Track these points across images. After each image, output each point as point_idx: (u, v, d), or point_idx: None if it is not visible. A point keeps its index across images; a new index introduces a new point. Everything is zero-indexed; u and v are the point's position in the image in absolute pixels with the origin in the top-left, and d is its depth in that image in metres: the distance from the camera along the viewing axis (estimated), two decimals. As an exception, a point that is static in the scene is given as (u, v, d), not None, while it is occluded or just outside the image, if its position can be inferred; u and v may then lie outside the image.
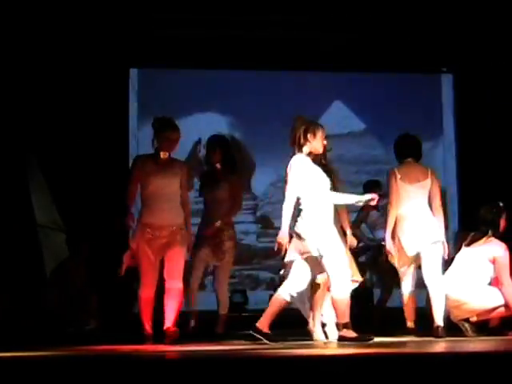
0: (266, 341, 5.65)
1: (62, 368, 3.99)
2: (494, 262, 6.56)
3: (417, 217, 6.49)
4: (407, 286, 6.60)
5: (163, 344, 5.70)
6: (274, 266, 9.68)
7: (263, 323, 5.76)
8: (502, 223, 6.73)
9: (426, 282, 6.42)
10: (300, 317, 6.31)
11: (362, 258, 7.92)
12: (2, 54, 8.16)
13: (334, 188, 5.96)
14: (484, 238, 6.66)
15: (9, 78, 8.29)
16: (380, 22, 9.29)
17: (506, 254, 6.56)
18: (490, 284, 6.63)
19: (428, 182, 6.56)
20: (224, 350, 5.36)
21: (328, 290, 5.93)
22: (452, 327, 6.52)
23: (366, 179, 8.51)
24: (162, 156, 6.06)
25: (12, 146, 8.27)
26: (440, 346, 5.66)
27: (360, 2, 8.92)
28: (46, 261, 8.16)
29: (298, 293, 5.82)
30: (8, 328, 6.70)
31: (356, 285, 6.17)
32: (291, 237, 5.79)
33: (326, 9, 8.94)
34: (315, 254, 5.67)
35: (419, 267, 6.55)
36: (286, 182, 5.84)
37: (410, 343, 5.95)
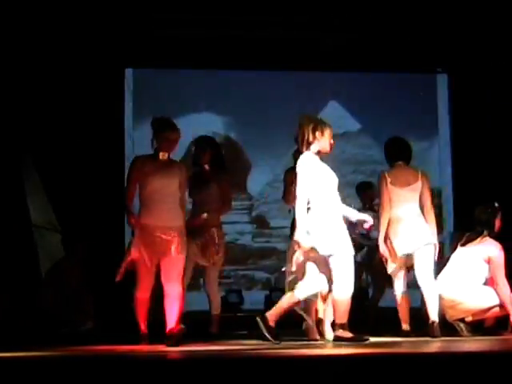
0: (267, 334, 5.61)
1: (58, 368, 3.99)
2: (489, 261, 6.58)
3: (408, 219, 6.52)
4: (399, 287, 6.62)
5: (164, 344, 5.62)
6: (270, 266, 9.72)
7: (272, 317, 5.72)
8: (497, 223, 6.75)
9: (419, 283, 6.47)
10: (294, 317, 6.30)
11: (357, 258, 7.93)
12: (-3, 55, 8.16)
13: None
14: (479, 238, 6.68)
15: (4, 78, 8.27)
16: (374, 23, 9.30)
17: (501, 253, 6.58)
18: (485, 284, 6.65)
19: (419, 184, 6.59)
20: (221, 350, 5.37)
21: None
22: (447, 327, 6.53)
23: (361, 179, 8.52)
24: (161, 157, 5.97)
25: (7, 146, 8.26)
26: (435, 345, 5.67)
27: (356, 3, 8.93)
28: (42, 261, 8.15)
29: (313, 294, 5.81)
30: (3, 328, 6.69)
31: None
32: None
33: (326, 9, 8.96)
34: (323, 252, 5.67)
35: (411, 267, 6.59)
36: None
37: (405, 343, 5.95)
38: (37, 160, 8.72)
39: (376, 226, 6.67)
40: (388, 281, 6.89)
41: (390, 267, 6.58)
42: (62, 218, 8.61)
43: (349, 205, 6.09)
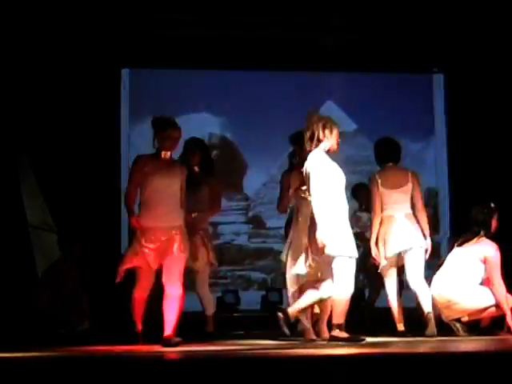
0: (286, 330, 5.67)
1: (55, 369, 3.99)
2: (485, 261, 6.59)
3: (400, 220, 6.58)
4: (391, 287, 6.65)
5: (160, 345, 5.63)
6: (266, 266, 9.72)
7: (293, 312, 5.76)
8: (494, 224, 6.76)
9: (410, 284, 6.54)
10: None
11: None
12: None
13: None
14: (475, 238, 6.69)
15: (0, 78, 8.27)
16: (369, 23, 9.30)
17: (497, 253, 6.58)
18: (481, 284, 6.66)
19: (409, 186, 6.63)
20: (217, 350, 5.37)
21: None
22: (443, 327, 6.54)
23: (357, 180, 8.52)
24: (163, 156, 5.90)
25: (3, 147, 8.25)
26: (431, 345, 5.68)
27: (355, 3, 8.93)
28: (38, 261, 8.14)
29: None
30: (0, 329, 6.69)
31: None
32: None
33: (326, 9, 8.96)
34: (332, 253, 5.66)
35: (402, 267, 6.62)
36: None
37: (401, 343, 5.96)
38: (33, 160, 8.71)
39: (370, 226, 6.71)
40: (383, 282, 6.90)
41: (381, 267, 6.62)
42: (58, 218, 8.60)
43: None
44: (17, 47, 8.43)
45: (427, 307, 6.41)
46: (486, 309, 6.58)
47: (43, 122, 8.81)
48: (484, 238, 6.68)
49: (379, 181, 6.62)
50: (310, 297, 5.82)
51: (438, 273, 6.74)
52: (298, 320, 6.23)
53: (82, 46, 9.02)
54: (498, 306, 6.54)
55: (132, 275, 5.95)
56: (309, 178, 5.76)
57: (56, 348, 5.43)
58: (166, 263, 5.78)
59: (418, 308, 6.53)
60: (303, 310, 5.89)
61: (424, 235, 6.57)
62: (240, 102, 9.88)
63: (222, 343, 5.98)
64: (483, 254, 6.59)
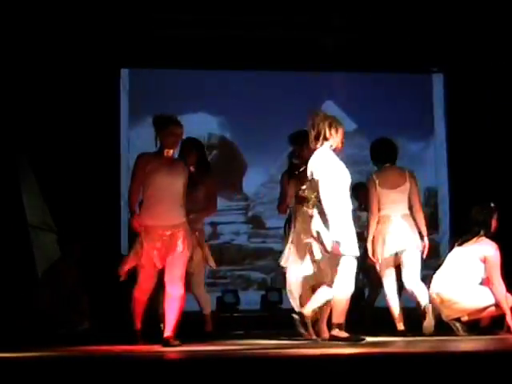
0: (302, 331, 5.73)
1: (55, 369, 3.98)
2: (485, 261, 6.59)
3: (397, 220, 6.59)
4: (389, 287, 6.66)
5: (160, 344, 5.62)
6: (266, 266, 9.72)
7: (308, 312, 5.79)
8: (494, 223, 6.76)
9: (406, 284, 6.56)
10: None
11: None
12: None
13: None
14: (475, 238, 6.69)
15: None
16: (369, 23, 9.31)
17: (497, 253, 6.59)
18: (481, 284, 6.66)
19: (407, 185, 6.65)
20: (217, 350, 5.36)
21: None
22: (443, 327, 6.55)
23: (357, 180, 8.51)
24: (165, 154, 5.85)
25: (3, 146, 8.25)
26: (431, 345, 5.68)
27: (355, 3, 8.93)
28: (38, 261, 8.14)
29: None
30: (0, 329, 6.69)
31: None
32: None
33: (326, 9, 8.97)
34: (340, 251, 5.67)
35: (399, 266, 6.63)
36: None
37: (401, 342, 5.96)
38: (33, 160, 8.71)
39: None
40: (382, 281, 6.91)
41: (379, 266, 6.64)
42: (58, 218, 8.61)
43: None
44: (17, 47, 8.44)
45: (424, 301, 6.42)
46: (485, 308, 6.58)
47: (43, 122, 8.82)
48: (484, 238, 6.68)
49: (377, 181, 6.63)
50: (323, 295, 5.82)
51: (438, 272, 6.74)
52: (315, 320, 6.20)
53: (82, 46, 9.03)
54: (497, 305, 6.54)
55: (132, 275, 5.94)
56: (315, 176, 5.74)
57: (56, 348, 5.43)
58: (168, 260, 5.74)
59: (418, 308, 6.53)
60: (320, 310, 5.89)
61: (421, 236, 6.58)
62: (240, 101, 9.88)
63: (222, 343, 5.98)
64: (483, 253, 6.59)
